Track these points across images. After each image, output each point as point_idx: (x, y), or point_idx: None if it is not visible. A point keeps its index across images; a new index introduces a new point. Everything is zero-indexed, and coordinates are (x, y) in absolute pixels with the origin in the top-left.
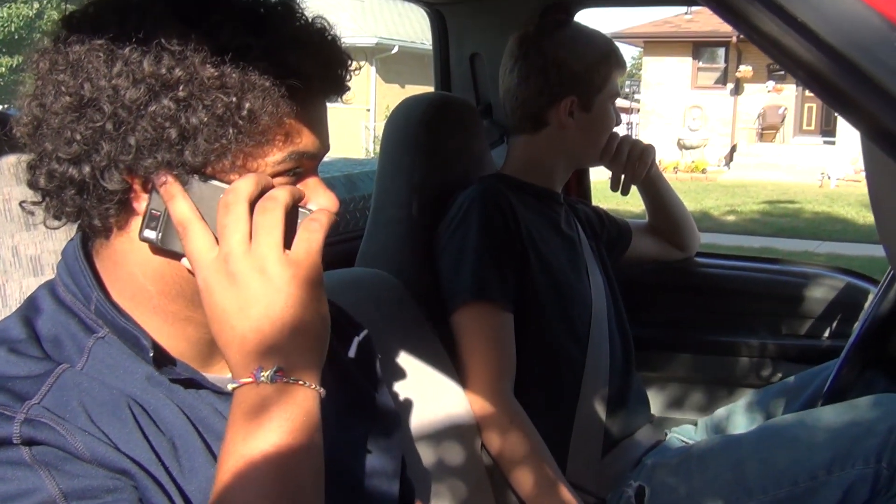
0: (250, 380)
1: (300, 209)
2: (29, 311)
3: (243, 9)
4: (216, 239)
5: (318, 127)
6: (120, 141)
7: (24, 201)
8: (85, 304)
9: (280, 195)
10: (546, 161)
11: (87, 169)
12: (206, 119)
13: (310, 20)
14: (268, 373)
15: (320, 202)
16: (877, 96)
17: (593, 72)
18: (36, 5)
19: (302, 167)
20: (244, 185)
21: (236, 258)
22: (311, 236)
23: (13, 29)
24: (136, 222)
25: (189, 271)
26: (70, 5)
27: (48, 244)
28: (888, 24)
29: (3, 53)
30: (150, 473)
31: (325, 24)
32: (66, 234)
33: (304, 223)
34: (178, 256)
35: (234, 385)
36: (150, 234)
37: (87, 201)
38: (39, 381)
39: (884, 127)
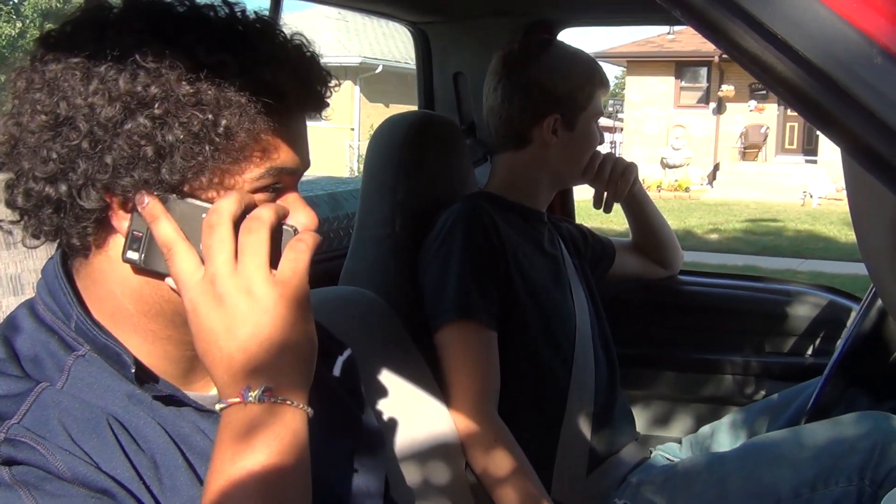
0: (238, 400)
1: (284, 227)
2: (8, 330)
3: (220, 27)
4: (201, 259)
5: (297, 143)
6: (97, 159)
7: (2, 220)
8: (65, 322)
9: (264, 214)
10: (529, 179)
11: (63, 188)
12: (182, 136)
13: (288, 37)
14: (256, 393)
15: (299, 219)
16: (856, 112)
17: (577, 90)
18: (19, 25)
19: (281, 183)
20: (227, 205)
21: (222, 279)
22: (297, 256)
23: None
24: (115, 241)
25: (174, 291)
26: (50, 24)
27: (28, 263)
28: (867, 40)
29: None
30: (132, 492)
31: (304, 40)
32: (46, 253)
33: (291, 243)
34: (161, 276)
35: (222, 405)
36: (133, 255)
37: (65, 220)
38: (19, 401)
39: (864, 143)
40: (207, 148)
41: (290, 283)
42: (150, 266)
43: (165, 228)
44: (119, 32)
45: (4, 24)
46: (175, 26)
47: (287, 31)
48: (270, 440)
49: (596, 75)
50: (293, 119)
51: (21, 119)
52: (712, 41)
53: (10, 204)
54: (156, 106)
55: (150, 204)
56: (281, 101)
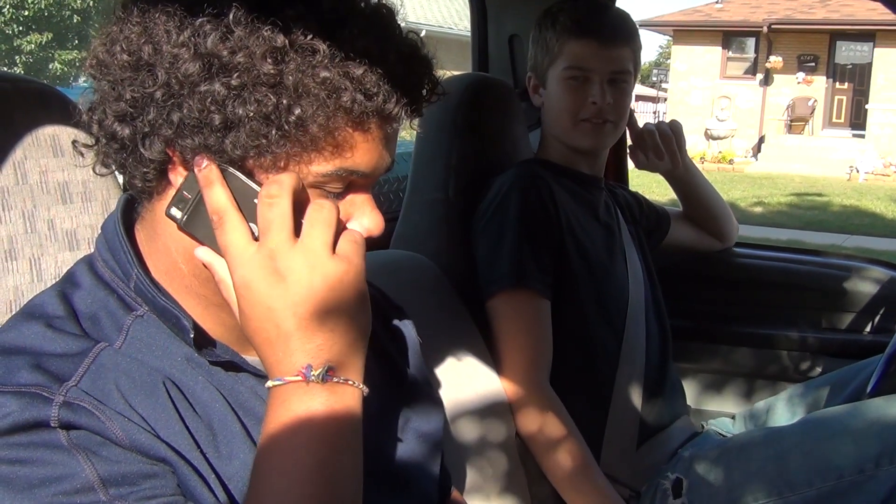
0: (299, 378)
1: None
2: (66, 286)
3: (327, 7)
4: (252, 235)
5: (377, 146)
6: (165, 112)
7: (76, 141)
8: (124, 282)
9: (329, 202)
10: None
11: (128, 130)
12: (252, 114)
13: (398, 33)
14: (319, 371)
15: (364, 222)
16: None
17: None
18: None
19: (353, 184)
20: (287, 179)
21: (285, 254)
22: (354, 237)
23: (43, 6)
24: (172, 195)
25: (203, 265)
26: None
27: (84, 218)
28: None
29: (32, 30)
30: (188, 459)
31: (416, 41)
32: (102, 208)
33: (346, 231)
34: (198, 243)
35: (278, 382)
36: (176, 213)
37: (129, 160)
38: (77, 361)
39: None
40: (274, 132)
41: (353, 260)
42: (189, 229)
43: (219, 195)
44: None
45: None
46: None
47: (403, 25)
48: (329, 420)
49: None
50: (378, 121)
51: (112, 48)
52: None
53: (84, 125)
54: (234, 76)
55: (207, 168)
56: (367, 101)
